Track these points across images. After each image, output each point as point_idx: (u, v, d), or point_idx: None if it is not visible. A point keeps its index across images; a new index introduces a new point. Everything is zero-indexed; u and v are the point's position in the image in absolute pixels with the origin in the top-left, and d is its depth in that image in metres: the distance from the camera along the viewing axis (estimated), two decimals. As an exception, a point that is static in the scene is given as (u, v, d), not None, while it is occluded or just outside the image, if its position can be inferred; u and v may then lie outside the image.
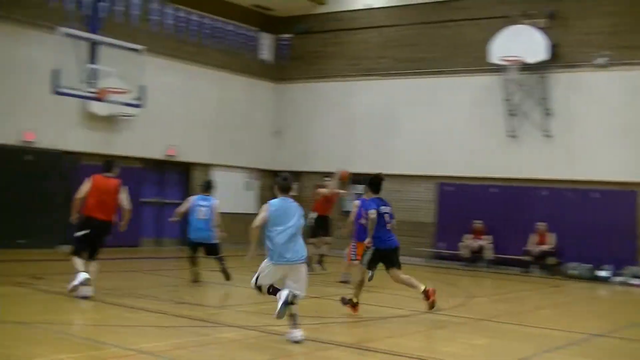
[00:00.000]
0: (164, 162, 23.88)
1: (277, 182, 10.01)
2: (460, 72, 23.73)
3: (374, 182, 12.17)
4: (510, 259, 22.01)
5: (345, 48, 26.29)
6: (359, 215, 13.89)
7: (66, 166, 20.70)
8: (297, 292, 9.48)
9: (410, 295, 15.17)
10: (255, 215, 9.75)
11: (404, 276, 11.94)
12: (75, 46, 16.67)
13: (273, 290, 9.71)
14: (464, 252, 22.62)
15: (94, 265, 12.46)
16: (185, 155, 24.24)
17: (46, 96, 17.35)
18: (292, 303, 9.39)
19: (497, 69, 22.23)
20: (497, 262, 22.27)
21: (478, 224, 22.56)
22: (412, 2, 24.87)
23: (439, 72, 24.10)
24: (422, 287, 11.86)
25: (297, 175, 26.61)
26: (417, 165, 24.17)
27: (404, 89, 24.76)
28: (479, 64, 22.84)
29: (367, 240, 11.75)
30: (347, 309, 11.88)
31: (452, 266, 22.53)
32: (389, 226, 11.80)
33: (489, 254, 22.27)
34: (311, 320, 11.33)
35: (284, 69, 27.49)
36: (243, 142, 26.24)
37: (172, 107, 23.73)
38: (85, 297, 12.04)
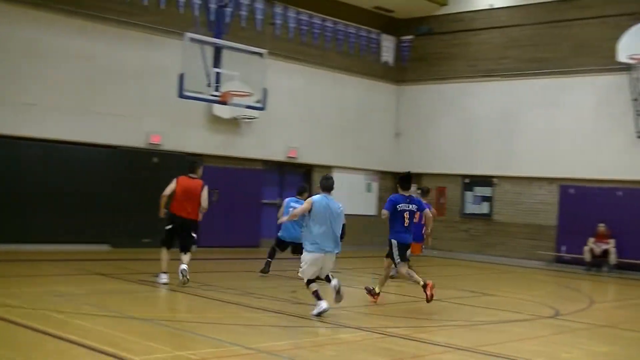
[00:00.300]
0: (284, 163, 24.20)
1: (320, 181, 11.39)
2: (585, 72, 23.12)
3: (404, 178, 12.72)
4: (636, 264, 21.32)
5: (466, 49, 26.04)
6: None
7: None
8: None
9: (530, 300, 15.02)
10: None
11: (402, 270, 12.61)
12: (201, 51, 17.09)
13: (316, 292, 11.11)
14: (586, 256, 22.07)
15: (186, 256, 13.54)
16: (307, 157, 24.49)
17: (172, 100, 17.83)
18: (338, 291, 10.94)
19: (625, 67, 21.57)
20: (621, 267, 21.61)
21: (602, 227, 21.95)
22: (535, 1, 24.39)
23: (563, 72, 23.55)
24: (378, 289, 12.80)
25: (417, 177, 26.57)
26: (539, 167, 23.70)
27: (526, 89, 24.35)
28: (605, 63, 22.19)
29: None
30: (428, 292, 12.02)
31: (573, 270, 22.02)
32: (407, 222, 12.33)
33: (613, 258, 21.67)
34: (429, 323, 11.36)
35: (405, 70, 27.45)
36: (364, 144, 26.33)
37: (294, 109, 24.06)
38: (165, 284, 13.39)
